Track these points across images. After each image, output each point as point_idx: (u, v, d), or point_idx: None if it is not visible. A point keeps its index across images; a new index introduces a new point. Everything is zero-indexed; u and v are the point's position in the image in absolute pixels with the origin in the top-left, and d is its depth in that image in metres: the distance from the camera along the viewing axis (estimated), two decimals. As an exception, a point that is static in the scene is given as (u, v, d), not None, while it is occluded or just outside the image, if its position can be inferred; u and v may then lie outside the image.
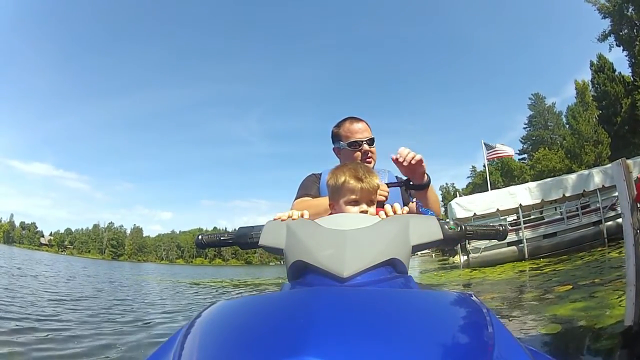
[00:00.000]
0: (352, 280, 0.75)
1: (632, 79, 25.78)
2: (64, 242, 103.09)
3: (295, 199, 1.62)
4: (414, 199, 1.38)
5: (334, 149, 1.70)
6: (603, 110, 28.40)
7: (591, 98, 29.50)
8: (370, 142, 1.61)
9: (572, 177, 13.97)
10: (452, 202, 14.28)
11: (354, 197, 1.05)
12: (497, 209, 13.46)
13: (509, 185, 19.01)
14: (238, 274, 32.64)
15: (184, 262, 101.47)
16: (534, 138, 40.79)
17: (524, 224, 13.18)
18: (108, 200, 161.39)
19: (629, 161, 2.69)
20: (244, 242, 0.99)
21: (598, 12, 25.87)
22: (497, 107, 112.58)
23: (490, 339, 0.51)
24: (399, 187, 1.60)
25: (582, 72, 73.53)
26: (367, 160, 1.60)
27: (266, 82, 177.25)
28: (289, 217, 1.00)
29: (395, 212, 0.99)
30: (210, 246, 1.06)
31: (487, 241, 13.04)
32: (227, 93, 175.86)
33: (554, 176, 16.00)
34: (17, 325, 4.41)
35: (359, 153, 1.59)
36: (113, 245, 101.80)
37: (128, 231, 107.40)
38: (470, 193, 24.77)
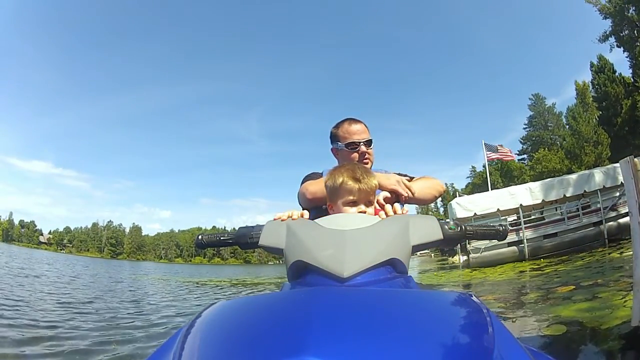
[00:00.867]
0: (352, 280, 0.76)
1: (632, 80, 25.75)
2: (63, 241, 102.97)
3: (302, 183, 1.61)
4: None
5: (332, 149, 1.71)
6: (603, 111, 28.35)
7: (591, 99, 29.49)
8: (368, 143, 1.62)
9: (573, 177, 13.97)
10: (453, 202, 14.27)
11: (352, 197, 1.05)
12: (498, 209, 13.45)
13: (508, 186, 19.00)
14: (239, 273, 32.62)
15: (183, 261, 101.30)
16: (533, 138, 40.84)
17: (525, 224, 13.15)
18: (107, 198, 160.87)
19: (637, 160, 2.63)
20: (244, 242, 0.99)
21: (599, 13, 25.85)
22: (497, 108, 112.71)
23: (490, 339, 0.51)
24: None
25: (582, 73, 73.44)
26: (364, 161, 1.61)
27: (266, 81, 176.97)
28: (288, 217, 1.00)
29: (395, 212, 1.00)
30: (210, 246, 1.06)
31: (487, 241, 13.20)
32: (227, 92, 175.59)
33: (553, 177, 15.97)
34: (35, 334, 4.17)
35: (356, 154, 1.60)
36: (112, 243, 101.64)
37: (127, 230, 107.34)
38: (470, 193, 24.71)
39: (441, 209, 49.48)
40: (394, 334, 0.48)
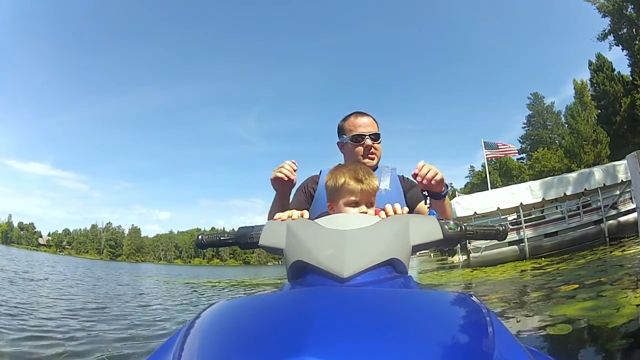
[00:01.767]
0: (352, 280, 0.76)
1: (631, 78, 25.79)
2: (62, 243, 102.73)
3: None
4: (429, 204, 1.31)
5: (338, 143, 1.67)
6: (602, 110, 28.38)
7: (590, 97, 29.50)
8: (375, 137, 1.55)
9: (573, 175, 13.96)
10: (453, 201, 14.21)
11: (353, 198, 1.04)
12: (498, 208, 13.43)
13: (507, 185, 18.99)
14: (240, 274, 32.53)
15: (182, 263, 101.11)
16: (532, 138, 40.82)
17: (525, 223, 13.13)
18: (106, 200, 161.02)
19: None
20: (244, 242, 0.99)
21: (597, 11, 25.91)
22: (495, 108, 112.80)
23: (490, 339, 0.51)
24: (400, 186, 1.59)
25: (581, 71, 73.67)
26: (370, 156, 1.55)
27: (265, 81, 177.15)
28: (288, 217, 0.99)
29: (395, 212, 0.99)
30: (210, 246, 1.06)
31: (487, 241, 13.22)
32: (226, 92, 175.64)
33: (553, 176, 15.95)
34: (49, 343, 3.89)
35: (361, 148, 1.54)
36: (111, 245, 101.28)
37: (126, 231, 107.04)
38: (469, 193, 24.68)
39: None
40: (393, 334, 0.48)
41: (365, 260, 0.78)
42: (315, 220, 0.93)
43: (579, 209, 13.03)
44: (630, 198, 12.66)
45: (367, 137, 1.53)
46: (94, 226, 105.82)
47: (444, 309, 0.61)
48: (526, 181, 18.95)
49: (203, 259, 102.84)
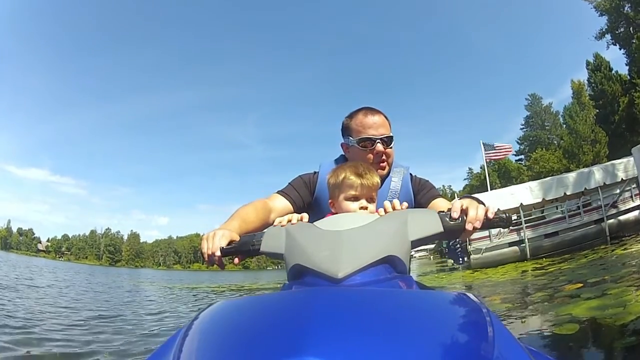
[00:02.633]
0: (348, 280, 0.75)
1: (629, 77, 25.90)
2: (61, 248, 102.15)
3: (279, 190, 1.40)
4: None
5: (342, 144, 1.43)
6: (600, 109, 28.46)
7: (588, 97, 29.57)
8: (387, 141, 1.33)
9: (573, 175, 13.97)
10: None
11: (353, 192, 1.04)
12: (498, 209, 13.30)
13: (506, 187, 18.96)
14: (240, 278, 32.36)
15: (182, 268, 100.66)
16: (531, 139, 40.85)
17: (525, 223, 13.08)
18: (105, 205, 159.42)
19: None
20: (246, 250, 0.99)
21: (595, 10, 26.08)
22: (493, 109, 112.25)
23: (490, 339, 0.50)
24: (410, 186, 1.42)
25: (578, 72, 73.94)
26: (381, 164, 1.34)
27: (264, 86, 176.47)
28: (288, 221, 0.98)
29: (394, 208, 0.97)
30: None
31: (488, 242, 13.12)
32: (224, 97, 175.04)
33: (552, 176, 15.94)
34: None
35: (370, 155, 1.31)
36: (110, 251, 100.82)
37: (125, 237, 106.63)
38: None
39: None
40: (392, 334, 0.47)
41: (361, 259, 0.77)
42: (314, 222, 0.93)
43: (579, 209, 13.00)
44: (631, 196, 12.67)
45: (377, 141, 1.31)
46: (93, 232, 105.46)
47: (443, 308, 0.60)
48: (526, 182, 18.96)
49: (202, 264, 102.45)
